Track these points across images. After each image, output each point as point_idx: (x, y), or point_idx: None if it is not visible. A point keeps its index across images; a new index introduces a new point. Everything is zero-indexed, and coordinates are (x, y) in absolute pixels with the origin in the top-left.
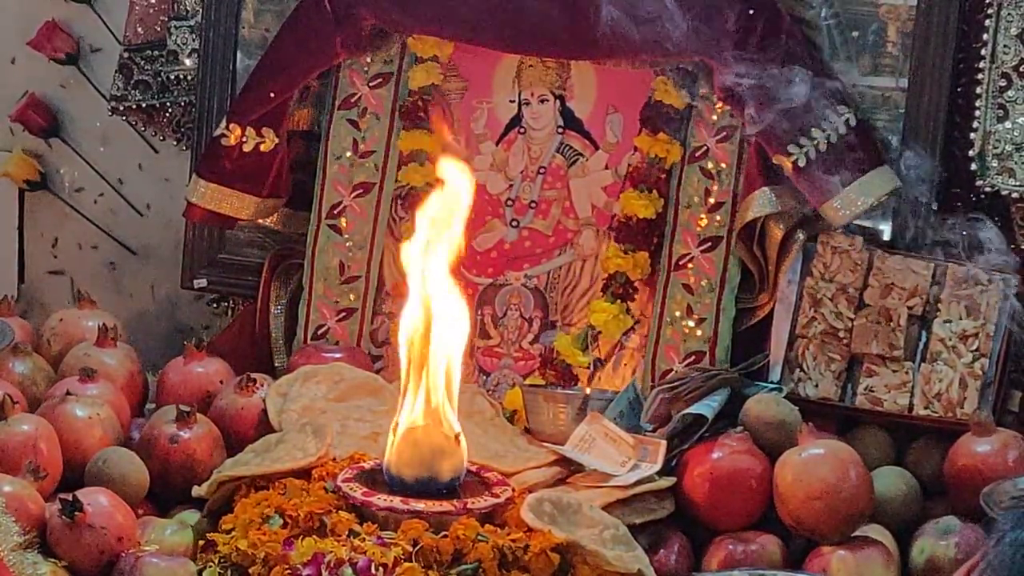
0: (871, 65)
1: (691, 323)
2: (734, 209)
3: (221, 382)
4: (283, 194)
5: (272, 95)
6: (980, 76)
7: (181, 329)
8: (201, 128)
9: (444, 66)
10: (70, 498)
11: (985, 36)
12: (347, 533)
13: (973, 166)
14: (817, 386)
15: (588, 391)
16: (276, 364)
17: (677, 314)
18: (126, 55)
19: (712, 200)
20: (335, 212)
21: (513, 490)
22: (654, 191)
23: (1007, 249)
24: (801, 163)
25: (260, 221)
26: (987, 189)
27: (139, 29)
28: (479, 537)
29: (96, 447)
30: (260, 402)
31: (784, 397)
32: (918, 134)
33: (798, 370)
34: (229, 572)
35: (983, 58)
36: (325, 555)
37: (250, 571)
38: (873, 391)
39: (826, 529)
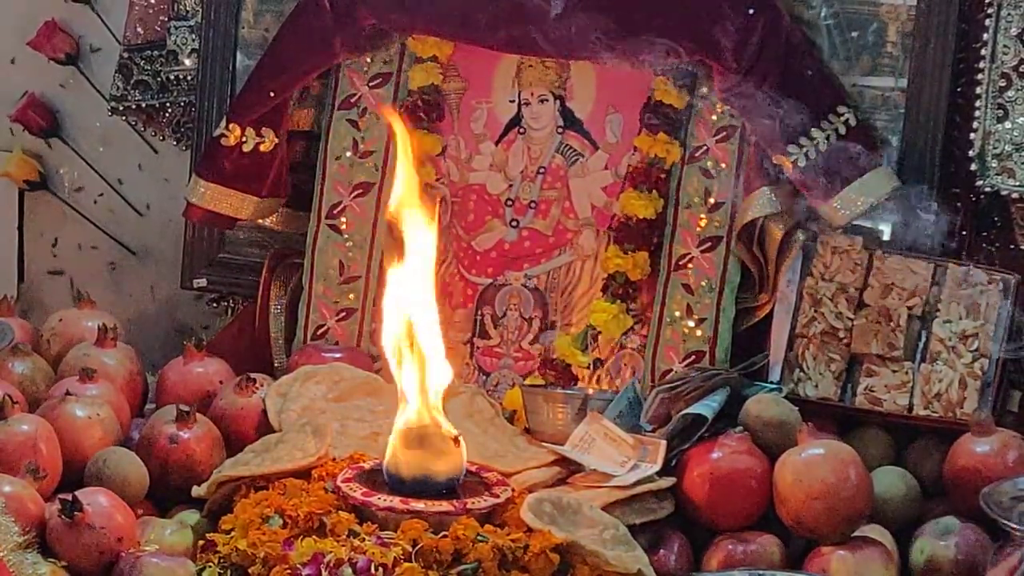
0: (871, 65)
1: (691, 323)
2: (734, 209)
3: (221, 382)
4: (283, 194)
5: (272, 95)
6: (980, 76)
7: (181, 329)
8: (201, 128)
9: (444, 66)
10: (70, 498)
11: (985, 36)
12: (347, 533)
13: (973, 166)
14: (817, 386)
15: (588, 391)
16: (276, 364)
17: (677, 314)
18: (126, 55)
19: (712, 200)
20: (335, 212)
21: (513, 490)
22: (654, 191)
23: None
24: (801, 163)
25: (260, 221)
26: (987, 189)
27: (139, 29)
28: (479, 537)
29: (96, 447)
30: (260, 402)
31: (784, 397)
32: (918, 134)
33: (798, 370)
34: (229, 572)
35: (983, 58)
36: (325, 555)
37: (250, 571)
38: (873, 391)
39: (826, 529)
